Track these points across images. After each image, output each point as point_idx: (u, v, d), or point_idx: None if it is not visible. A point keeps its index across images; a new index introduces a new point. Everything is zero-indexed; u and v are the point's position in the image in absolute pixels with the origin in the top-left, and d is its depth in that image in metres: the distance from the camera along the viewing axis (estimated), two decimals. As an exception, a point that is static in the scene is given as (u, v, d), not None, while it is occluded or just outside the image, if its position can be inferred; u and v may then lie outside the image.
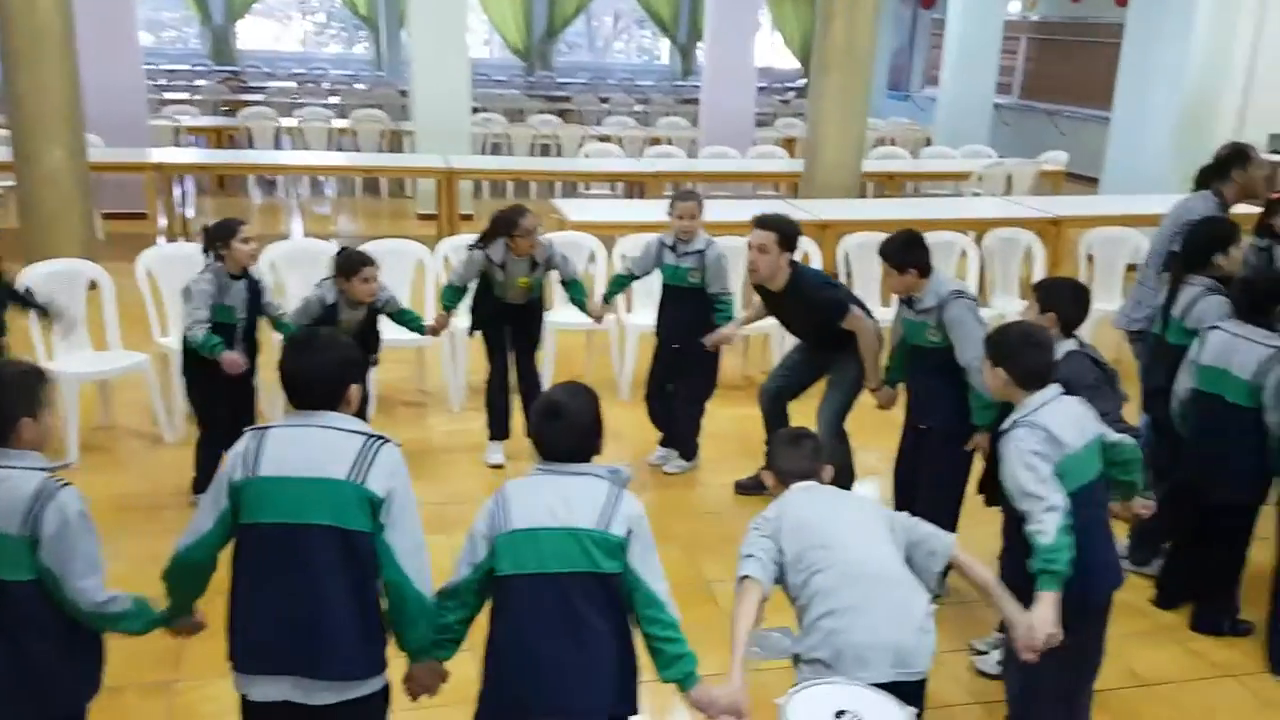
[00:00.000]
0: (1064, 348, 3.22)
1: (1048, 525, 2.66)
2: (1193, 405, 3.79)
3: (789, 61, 18.97)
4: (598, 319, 5.28)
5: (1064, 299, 3.32)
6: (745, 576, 2.58)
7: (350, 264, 4.52)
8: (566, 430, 2.42)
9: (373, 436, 2.35)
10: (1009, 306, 6.73)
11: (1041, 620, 2.63)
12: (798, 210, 7.80)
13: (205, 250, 4.45)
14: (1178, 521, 3.95)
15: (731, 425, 5.52)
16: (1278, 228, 4.78)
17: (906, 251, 3.82)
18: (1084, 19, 14.30)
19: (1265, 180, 4.49)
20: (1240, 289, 3.73)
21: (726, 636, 2.53)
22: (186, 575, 2.42)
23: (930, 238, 6.72)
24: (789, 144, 12.14)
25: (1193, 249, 4.08)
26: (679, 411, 5.17)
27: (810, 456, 2.83)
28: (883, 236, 6.51)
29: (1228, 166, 4.58)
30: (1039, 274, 6.97)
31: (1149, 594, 4.11)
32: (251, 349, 4.55)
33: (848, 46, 8.10)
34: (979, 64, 11.88)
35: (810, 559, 2.56)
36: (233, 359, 4.33)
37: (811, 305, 4.35)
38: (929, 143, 12.28)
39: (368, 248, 4.75)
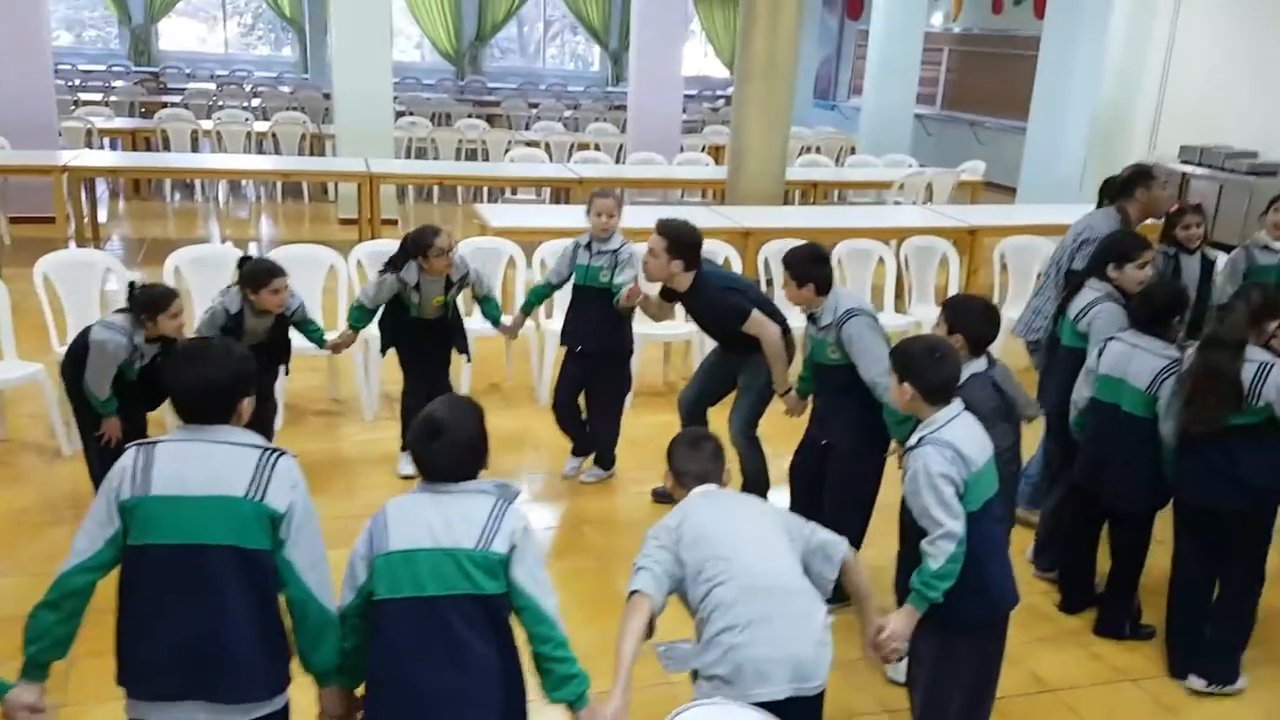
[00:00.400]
0: (970, 369, 3.22)
1: (940, 551, 2.72)
2: (1090, 414, 3.86)
3: (721, 70, 19.09)
4: (512, 336, 5.25)
5: (972, 319, 3.32)
6: (635, 591, 2.53)
7: (258, 276, 4.40)
8: (448, 448, 2.34)
9: (269, 449, 2.28)
10: (926, 314, 6.83)
11: (895, 629, 2.74)
12: (721, 217, 7.84)
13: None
14: (1077, 527, 4.02)
15: (651, 432, 5.48)
16: (1180, 238, 4.91)
17: (807, 265, 3.84)
18: (1004, 31, 14.61)
19: (1168, 200, 4.58)
20: (1140, 301, 3.81)
21: (644, 652, 2.49)
22: (64, 607, 2.24)
23: (850, 245, 6.98)
24: (716, 151, 12.20)
25: (1096, 257, 4.17)
26: (595, 418, 5.13)
27: (710, 459, 2.80)
28: (800, 243, 6.78)
29: (1132, 186, 4.67)
30: (955, 281, 7.09)
31: (1055, 598, 4.18)
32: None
33: (770, 56, 8.15)
34: (901, 74, 12.07)
35: (710, 571, 2.53)
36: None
37: (713, 309, 4.34)
38: (853, 151, 12.44)
39: (276, 254, 4.64)
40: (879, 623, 2.76)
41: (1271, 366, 3.39)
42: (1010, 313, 6.82)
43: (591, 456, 5.20)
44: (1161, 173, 4.68)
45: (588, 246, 4.90)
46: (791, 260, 3.86)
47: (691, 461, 2.78)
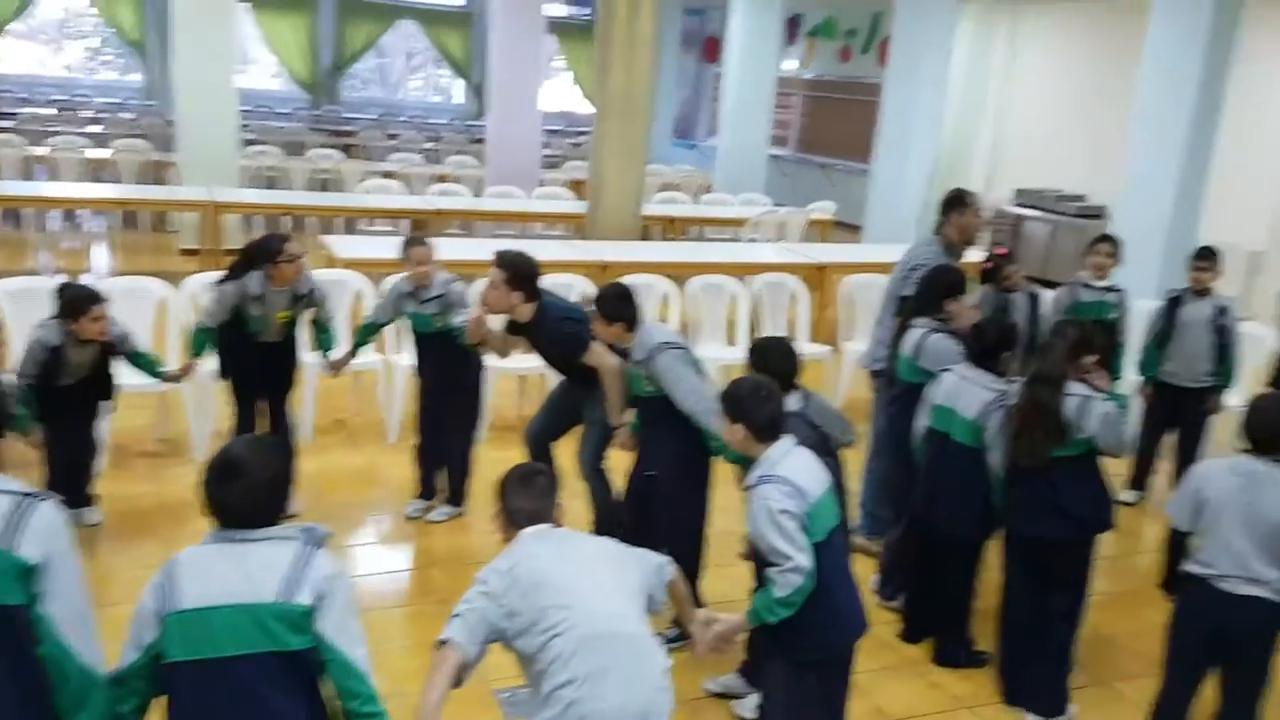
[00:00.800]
0: (786, 407, 3.24)
1: (788, 582, 2.76)
2: (926, 442, 3.97)
3: (586, 106, 19.20)
4: (335, 372, 5.10)
5: (773, 359, 3.39)
6: (444, 641, 2.40)
7: (76, 304, 4.15)
8: (245, 491, 2.15)
9: (26, 495, 2.08)
10: (778, 348, 6.95)
11: (721, 629, 2.85)
12: (580, 251, 7.84)
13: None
14: (917, 556, 4.11)
15: (503, 469, 5.35)
16: (1005, 286, 5.15)
17: (615, 304, 3.88)
18: (852, 78, 15.20)
19: (980, 225, 4.76)
20: (973, 335, 3.94)
21: (488, 701, 2.36)
22: None
23: (705, 281, 7.05)
24: (577, 185, 12.22)
25: (926, 295, 4.31)
26: (446, 453, 5.00)
27: (543, 496, 2.70)
28: (654, 278, 6.84)
29: (947, 211, 4.83)
30: (804, 316, 7.24)
31: (898, 628, 4.25)
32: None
33: (627, 94, 8.25)
34: (755, 117, 12.38)
35: (549, 621, 2.42)
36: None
37: (554, 339, 4.29)
38: (711, 190, 12.66)
39: (100, 284, 4.37)
40: (708, 615, 2.87)
41: (1091, 400, 3.54)
42: (859, 346, 7.04)
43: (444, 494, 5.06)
44: (973, 199, 4.81)
45: (412, 294, 4.77)
46: (599, 300, 3.91)
47: (523, 499, 2.69)
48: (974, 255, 5.28)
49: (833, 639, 2.96)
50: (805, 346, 7.14)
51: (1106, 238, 5.61)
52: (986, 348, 3.84)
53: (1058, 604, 3.76)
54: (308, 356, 5.20)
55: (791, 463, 2.88)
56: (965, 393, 3.80)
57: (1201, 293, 5.42)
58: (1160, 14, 7.25)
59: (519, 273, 4.25)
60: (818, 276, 8.06)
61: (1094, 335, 3.66)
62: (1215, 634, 3.23)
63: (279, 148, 12.26)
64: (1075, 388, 3.55)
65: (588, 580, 2.52)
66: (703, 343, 6.92)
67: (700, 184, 13.05)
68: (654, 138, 14.61)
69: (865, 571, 4.63)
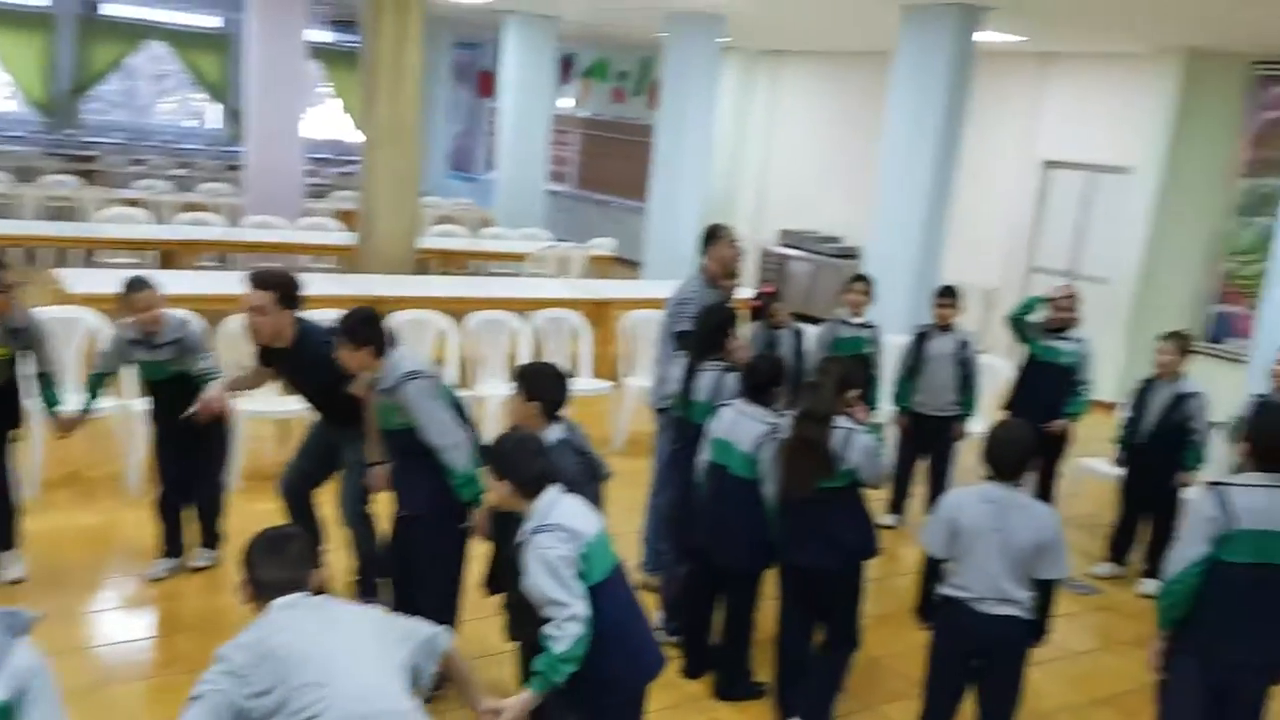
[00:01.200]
0: (550, 436, 3.25)
1: (567, 634, 2.69)
2: (707, 476, 4.00)
3: (356, 134, 18.59)
4: (66, 432, 4.49)
5: (545, 385, 3.36)
6: None
7: None
8: None
9: None
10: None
11: (513, 709, 2.71)
12: (349, 284, 7.51)
13: None
14: (698, 590, 4.13)
15: (264, 520, 4.95)
16: (773, 319, 5.33)
17: (363, 327, 3.67)
18: (625, 119, 15.55)
19: (735, 257, 4.87)
20: (746, 372, 4.02)
21: None
22: None
23: (484, 316, 6.92)
24: (347, 216, 11.75)
25: (706, 337, 4.33)
26: (195, 492, 4.62)
27: (296, 563, 2.47)
28: (431, 313, 6.65)
29: (706, 244, 4.95)
30: (586, 352, 7.24)
31: (680, 664, 4.24)
32: None
33: (395, 123, 8.05)
34: (532, 152, 12.39)
35: (303, 701, 2.20)
36: None
37: (319, 364, 3.95)
38: (490, 223, 12.54)
39: None
40: (494, 704, 2.70)
41: (854, 433, 3.68)
42: (640, 382, 7.10)
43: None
44: (725, 232, 4.92)
45: (142, 341, 4.35)
46: (347, 324, 3.67)
47: (272, 568, 2.44)
48: (744, 293, 5.43)
49: (632, 678, 2.94)
50: (587, 382, 7.14)
51: (861, 277, 5.94)
52: (759, 383, 3.93)
53: (831, 631, 3.87)
54: (34, 406, 4.65)
55: (562, 508, 2.85)
56: (741, 426, 3.87)
57: (945, 328, 5.81)
58: (901, 68, 7.81)
59: (288, 290, 3.96)
60: (599, 312, 8.09)
61: (855, 371, 3.82)
62: (972, 653, 3.40)
63: (8, 173, 11.15)
64: (839, 421, 3.68)
65: (346, 656, 2.31)
66: (483, 379, 6.78)
67: (479, 218, 12.89)
68: (429, 170, 14.40)
69: (647, 608, 4.62)
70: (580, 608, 2.71)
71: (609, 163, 15.99)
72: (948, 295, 5.81)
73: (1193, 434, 5.28)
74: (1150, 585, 5.52)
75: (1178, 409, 5.28)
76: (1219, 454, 5.28)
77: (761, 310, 5.30)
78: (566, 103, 16.64)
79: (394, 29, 7.90)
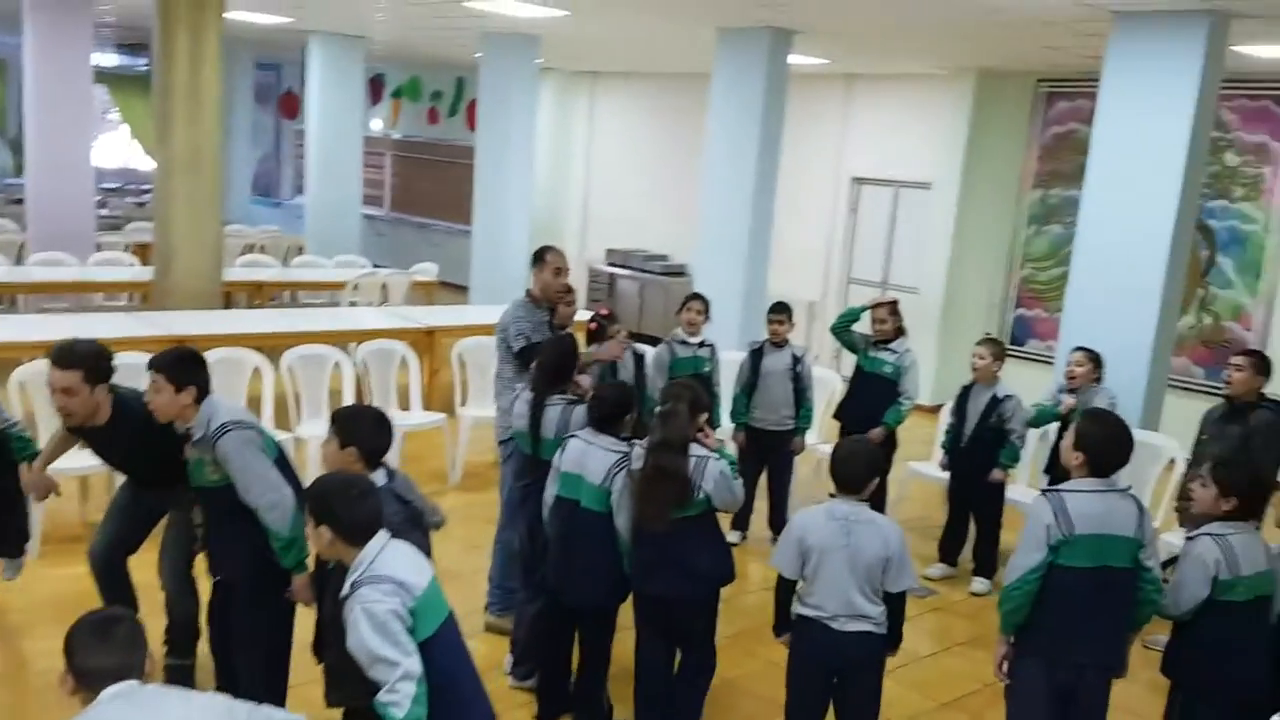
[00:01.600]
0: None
1: (403, 695, 2.49)
2: (555, 511, 3.87)
3: (149, 162, 17.45)
4: None
5: (364, 431, 3.13)
6: None
7: None
8: None
9: None
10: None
11: None
12: (149, 324, 6.98)
13: None
14: (550, 630, 3.99)
15: (64, 589, 4.50)
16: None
17: (188, 367, 3.39)
18: (441, 140, 15.24)
19: (557, 283, 4.80)
20: (593, 402, 3.91)
21: None
22: None
23: (302, 351, 6.54)
24: (143, 250, 10.97)
25: (550, 370, 4.18)
26: None
27: (126, 648, 2.22)
28: (243, 351, 6.23)
29: (533, 266, 4.87)
30: (415, 383, 6.96)
31: (533, 710, 4.08)
32: None
33: (193, 150, 7.59)
34: (343, 175, 11.94)
35: None
36: None
37: (140, 437, 3.63)
38: (301, 251, 11.99)
39: None
40: None
41: (708, 460, 3.64)
42: (475, 412, 6.89)
43: None
44: (551, 255, 4.85)
45: None
46: (161, 363, 3.36)
47: (99, 655, 2.18)
48: (580, 316, 5.34)
49: None
50: (419, 415, 6.87)
51: (697, 296, 5.95)
52: (607, 412, 3.83)
53: (689, 657, 3.82)
54: None
55: (389, 557, 2.64)
56: (591, 458, 3.76)
57: (779, 344, 5.91)
58: (719, 89, 7.94)
59: (96, 365, 3.55)
60: (426, 341, 7.84)
61: (703, 395, 3.78)
62: (830, 672, 3.41)
63: None
64: (693, 449, 3.63)
65: None
66: (304, 421, 6.41)
67: (289, 245, 12.31)
68: (231, 197, 13.65)
69: (495, 653, 4.45)
70: (413, 664, 2.52)
71: (426, 185, 15.63)
72: (780, 311, 5.91)
73: (1010, 434, 5.55)
74: (980, 584, 5.77)
75: (995, 411, 5.55)
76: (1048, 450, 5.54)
77: (598, 334, 5.23)
78: (376, 124, 16.19)
79: (189, 51, 7.46)
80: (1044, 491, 3.38)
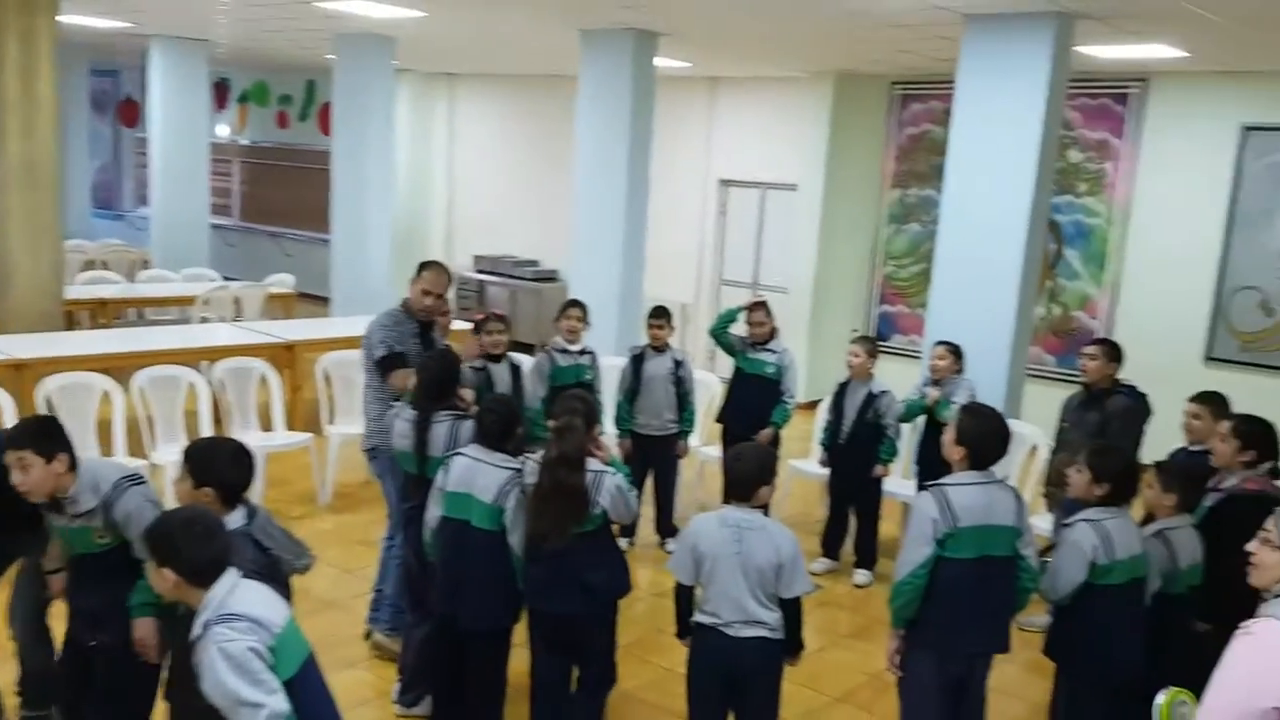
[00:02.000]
0: (229, 525, 2.79)
1: None
2: (441, 532, 3.72)
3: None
4: None
5: (220, 467, 2.89)
6: None
7: None
8: None
9: None
10: (248, 441, 6.28)
11: None
12: (-20, 351, 6.44)
13: None
14: (441, 656, 3.83)
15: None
16: (485, 344, 5.11)
17: (45, 437, 3.10)
18: (294, 145, 14.69)
19: (425, 291, 4.58)
20: (479, 417, 3.76)
21: None
22: None
23: (153, 373, 6.15)
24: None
25: (433, 386, 4.01)
26: None
27: None
28: (90, 376, 5.82)
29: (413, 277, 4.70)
30: (277, 402, 6.64)
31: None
32: None
33: (27, 163, 7.12)
34: (189, 185, 11.35)
35: None
36: None
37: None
38: (147, 265, 11.34)
39: None
40: None
41: (604, 474, 3.55)
42: (344, 429, 6.62)
43: None
44: (429, 268, 4.64)
45: None
46: (26, 437, 3.08)
47: None
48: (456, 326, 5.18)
49: None
50: (283, 435, 6.56)
51: (575, 303, 5.85)
52: (496, 428, 3.69)
53: (587, 672, 3.73)
54: None
55: (243, 595, 2.47)
56: (481, 475, 3.63)
57: (660, 348, 5.87)
58: (586, 92, 7.87)
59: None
60: (287, 356, 7.49)
61: (596, 407, 3.69)
62: (729, 677, 3.38)
63: None
64: (589, 463, 3.54)
65: None
66: (158, 446, 6.02)
67: (134, 260, 11.63)
68: (69, 210, 12.79)
69: (381, 681, 4.27)
70: (279, 703, 2.36)
71: (279, 192, 15.05)
72: (660, 316, 5.88)
73: (886, 429, 5.67)
74: (863, 576, 5.87)
75: (871, 407, 5.66)
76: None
77: (476, 326, 5.08)
78: (223, 130, 15.50)
79: (20, 58, 6.98)
80: (927, 486, 3.43)
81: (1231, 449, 3.86)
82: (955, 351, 5.66)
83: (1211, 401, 4.34)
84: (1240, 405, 4.27)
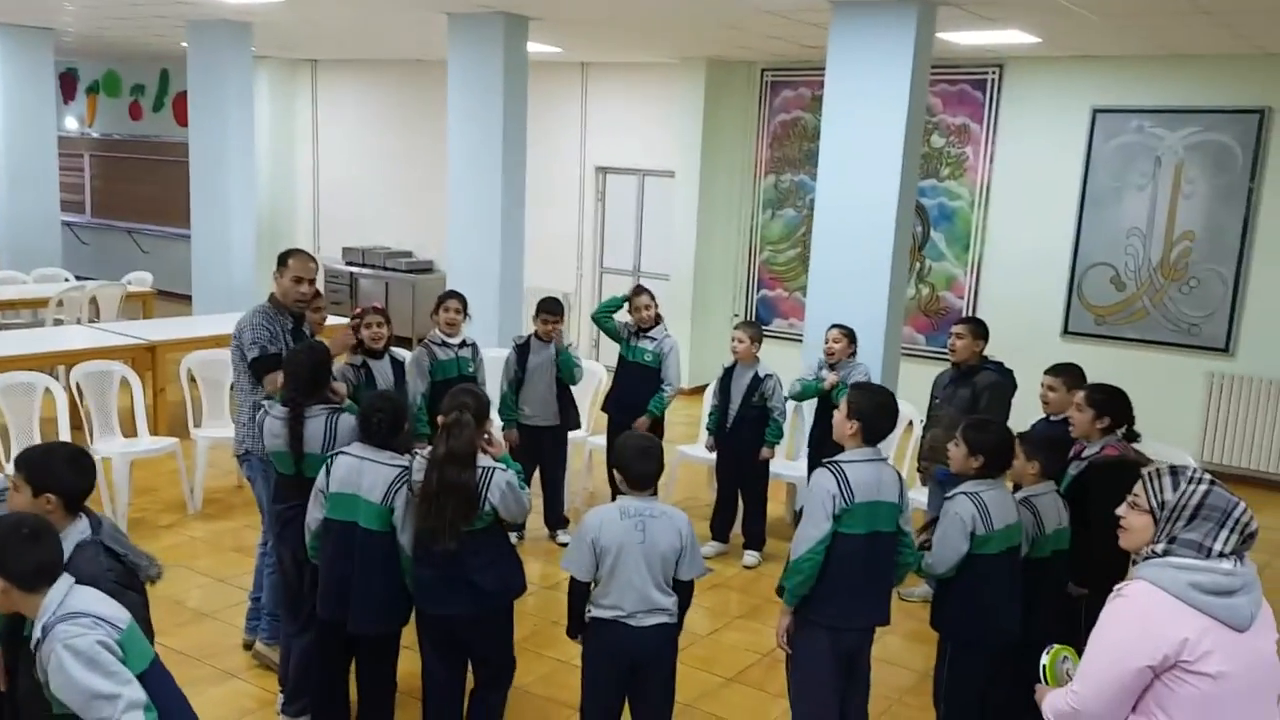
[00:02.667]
0: (72, 536, 2.62)
1: None
2: (325, 534, 3.59)
3: None
4: None
5: (58, 473, 2.69)
6: None
7: None
8: None
9: None
10: (110, 447, 5.97)
11: None
12: None
13: None
14: (327, 664, 3.71)
15: None
16: (364, 339, 4.94)
17: None
18: (147, 136, 14.01)
19: (295, 279, 4.38)
20: (363, 414, 3.62)
21: None
22: None
23: (6, 379, 5.77)
24: None
25: (304, 379, 3.84)
26: None
27: None
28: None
29: (276, 270, 4.49)
30: (140, 405, 6.31)
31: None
32: None
33: None
34: (37, 180, 10.69)
35: None
36: None
37: None
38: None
39: None
40: None
41: (494, 470, 3.46)
42: (210, 432, 6.34)
43: None
44: (296, 262, 4.42)
45: None
46: None
47: None
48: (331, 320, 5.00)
49: None
50: (147, 441, 6.24)
51: (454, 294, 5.69)
52: (381, 424, 3.56)
53: (484, 673, 3.67)
54: None
55: (81, 595, 2.39)
56: (367, 474, 3.51)
57: (547, 339, 5.81)
58: (456, 77, 7.69)
59: None
60: (149, 357, 7.14)
61: (486, 402, 3.60)
62: (629, 667, 3.37)
63: None
64: (478, 459, 3.45)
65: None
66: (12, 458, 5.64)
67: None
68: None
69: (263, 692, 4.11)
70: (135, 692, 2.29)
71: (134, 187, 14.34)
72: (551, 309, 5.79)
73: (772, 412, 5.75)
74: (752, 557, 5.95)
75: (758, 390, 5.72)
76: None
77: (354, 319, 4.94)
78: (72, 123, 14.67)
79: None
80: (825, 463, 3.47)
81: (1088, 418, 4.04)
82: (849, 335, 5.74)
83: (1066, 373, 4.50)
84: (1097, 376, 4.46)
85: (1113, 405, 4.05)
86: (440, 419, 3.43)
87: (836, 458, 3.46)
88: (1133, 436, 4.10)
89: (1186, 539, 2.23)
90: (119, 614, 2.40)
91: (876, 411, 3.47)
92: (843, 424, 3.48)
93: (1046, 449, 3.82)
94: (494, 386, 5.81)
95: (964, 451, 3.62)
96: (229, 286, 9.04)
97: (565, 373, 5.80)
